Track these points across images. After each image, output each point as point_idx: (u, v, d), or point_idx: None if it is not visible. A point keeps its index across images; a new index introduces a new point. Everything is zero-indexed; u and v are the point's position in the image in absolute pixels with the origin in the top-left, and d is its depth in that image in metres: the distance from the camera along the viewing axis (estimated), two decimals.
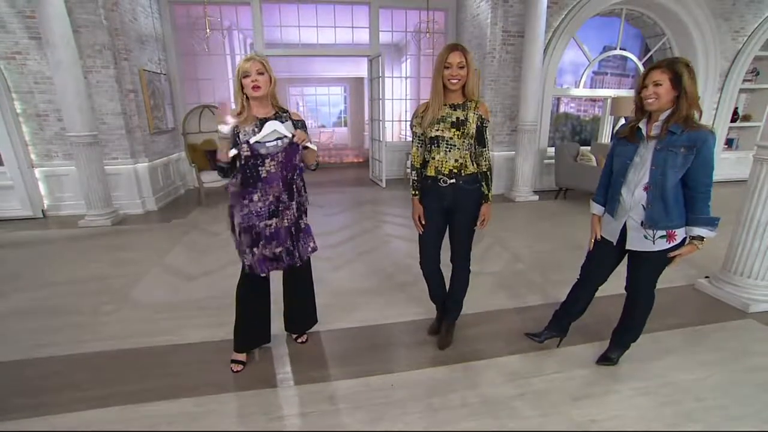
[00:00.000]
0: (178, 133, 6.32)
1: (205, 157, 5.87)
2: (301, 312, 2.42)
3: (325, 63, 11.50)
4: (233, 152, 1.87)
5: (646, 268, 1.93)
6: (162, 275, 3.38)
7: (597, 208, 2.06)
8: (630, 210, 1.85)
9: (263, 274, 2.01)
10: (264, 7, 6.36)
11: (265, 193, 1.92)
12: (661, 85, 1.68)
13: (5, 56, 4.60)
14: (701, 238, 1.76)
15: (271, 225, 1.96)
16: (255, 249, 1.96)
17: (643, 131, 1.79)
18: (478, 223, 2.14)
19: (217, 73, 7.24)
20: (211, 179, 5.66)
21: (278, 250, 2.00)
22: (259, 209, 1.92)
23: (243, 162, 1.87)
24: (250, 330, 2.22)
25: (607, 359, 2.17)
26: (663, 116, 1.72)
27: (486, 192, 2.10)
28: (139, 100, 5.24)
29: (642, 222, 1.82)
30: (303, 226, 2.11)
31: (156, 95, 5.72)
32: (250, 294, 2.14)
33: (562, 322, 2.28)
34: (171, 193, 6.11)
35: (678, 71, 1.65)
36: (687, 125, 1.66)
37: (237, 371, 2.14)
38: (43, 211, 5.15)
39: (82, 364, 2.23)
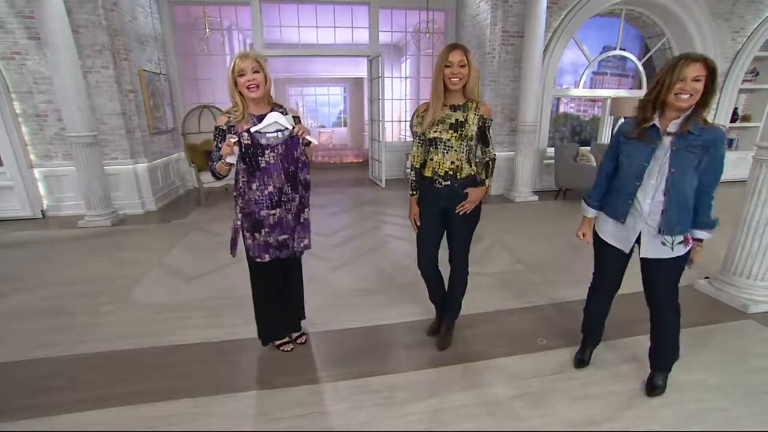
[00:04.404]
0: (177, 134, 6.31)
1: (204, 157, 5.86)
2: (291, 309, 2.41)
3: (325, 63, 11.50)
4: (232, 159, 1.87)
5: (666, 275, 1.79)
6: (162, 275, 3.38)
7: (592, 213, 1.93)
8: (647, 216, 1.72)
9: (261, 260, 2.03)
10: (264, 7, 6.36)
11: (263, 182, 1.93)
12: (700, 80, 1.52)
13: (5, 56, 4.60)
14: (701, 241, 1.74)
15: (275, 214, 1.99)
16: (256, 234, 1.99)
17: (660, 130, 1.65)
18: (460, 205, 2.03)
19: (216, 73, 7.23)
20: (211, 180, 5.66)
21: (282, 237, 2.04)
22: (257, 198, 1.94)
23: (243, 150, 1.88)
24: (270, 318, 2.25)
25: (655, 387, 1.95)
26: (683, 114, 1.61)
27: (483, 177, 2.06)
28: (139, 101, 5.24)
29: (660, 228, 1.70)
30: (302, 220, 2.11)
31: (156, 95, 5.71)
32: (261, 281, 2.17)
33: (594, 332, 2.16)
34: (171, 193, 6.11)
35: (714, 66, 1.52)
36: (705, 124, 1.59)
37: (288, 351, 2.32)
38: (42, 211, 5.14)
39: (82, 364, 2.23)
